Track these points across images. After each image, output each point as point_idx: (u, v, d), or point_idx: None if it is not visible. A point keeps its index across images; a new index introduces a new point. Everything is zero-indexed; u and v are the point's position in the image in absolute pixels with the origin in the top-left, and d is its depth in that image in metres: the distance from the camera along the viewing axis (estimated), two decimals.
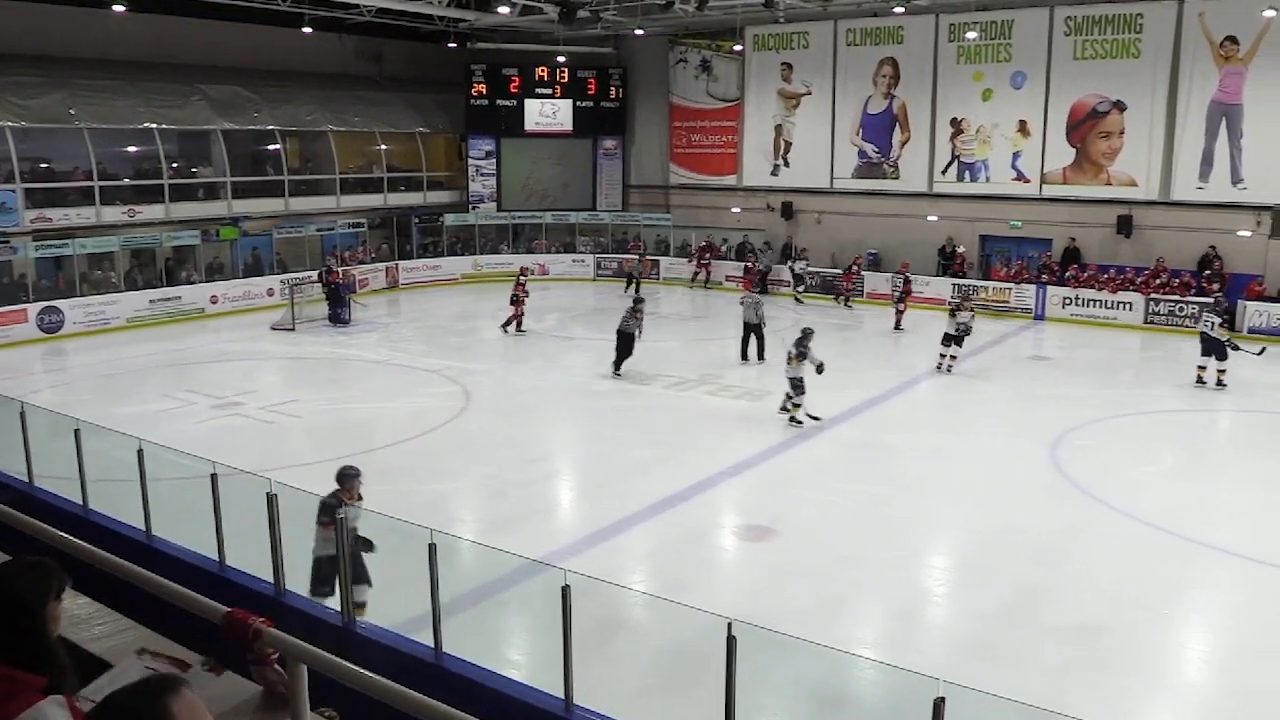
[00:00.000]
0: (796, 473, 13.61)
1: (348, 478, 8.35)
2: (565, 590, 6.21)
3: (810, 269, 28.31)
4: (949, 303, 21.80)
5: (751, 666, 5.78)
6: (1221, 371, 17.72)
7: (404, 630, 7.43)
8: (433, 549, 6.94)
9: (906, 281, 24.15)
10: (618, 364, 18.74)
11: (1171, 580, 10.43)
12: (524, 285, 23.35)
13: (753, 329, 19.98)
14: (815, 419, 15.50)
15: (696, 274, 30.27)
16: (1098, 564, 10.72)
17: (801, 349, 15.55)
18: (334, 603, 7.64)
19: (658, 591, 8.87)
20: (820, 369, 15.46)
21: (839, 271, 27.66)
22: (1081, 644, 8.90)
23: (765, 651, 6.39)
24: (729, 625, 5.62)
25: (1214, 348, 17.74)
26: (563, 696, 6.31)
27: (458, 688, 6.59)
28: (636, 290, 26.36)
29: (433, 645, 6.99)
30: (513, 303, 23.10)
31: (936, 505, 12.48)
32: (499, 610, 9.20)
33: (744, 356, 20.07)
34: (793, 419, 15.53)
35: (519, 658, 8.31)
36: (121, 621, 3.35)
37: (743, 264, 29.19)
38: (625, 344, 18.79)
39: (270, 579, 7.95)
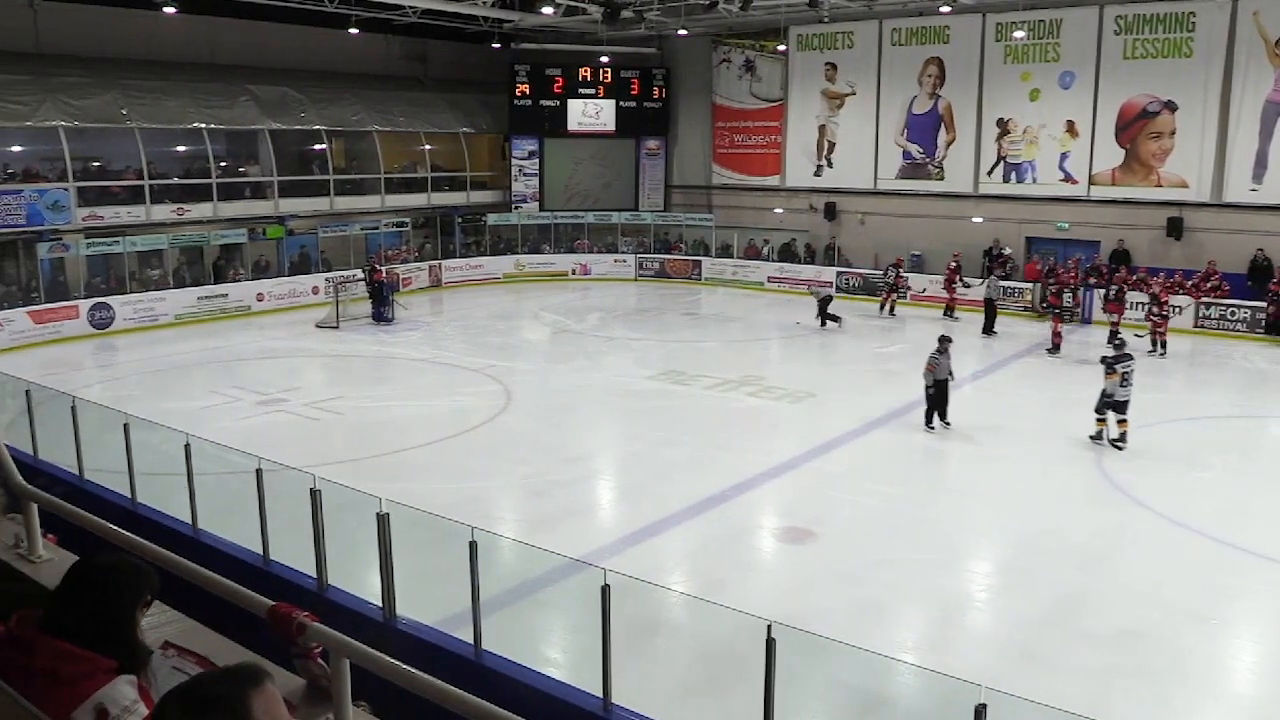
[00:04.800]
0: (836, 475, 13.54)
1: None
2: (605, 590, 6.22)
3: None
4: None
5: (790, 668, 5.75)
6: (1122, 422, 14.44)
7: (444, 627, 7.48)
8: (473, 546, 6.98)
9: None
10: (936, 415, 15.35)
11: (1217, 588, 10.23)
12: (904, 277, 24.96)
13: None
14: None
15: (950, 306, 25.24)
16: (1142, 570, 10.56)
17: None
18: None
19: (696, 592, 8.85)
20: None
21: (881, 272, 27.47)
22: (1124, 651, 8.77)
23: (803, 653, 6.36)
24: (769, 628, 5.61)
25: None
26: (601, 695, 6.32)
27: (497, 685, 6.62)
28: (891, 310, 25.41)
29: (473, 642, 7.02)
30: (890, 291, 24.83)
31: (978, 509, 12.36)
32: (538, 608, 9.23)
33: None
34: None
35: (557, 656, 8.33)
36: (169, 613, 3.39)
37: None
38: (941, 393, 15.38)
39: (313, 573, 8.05)
